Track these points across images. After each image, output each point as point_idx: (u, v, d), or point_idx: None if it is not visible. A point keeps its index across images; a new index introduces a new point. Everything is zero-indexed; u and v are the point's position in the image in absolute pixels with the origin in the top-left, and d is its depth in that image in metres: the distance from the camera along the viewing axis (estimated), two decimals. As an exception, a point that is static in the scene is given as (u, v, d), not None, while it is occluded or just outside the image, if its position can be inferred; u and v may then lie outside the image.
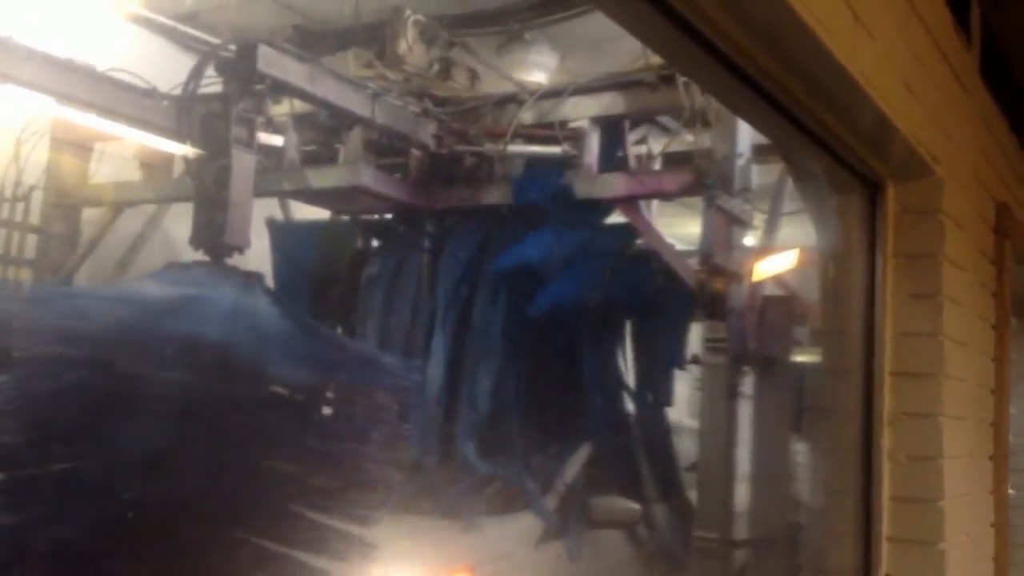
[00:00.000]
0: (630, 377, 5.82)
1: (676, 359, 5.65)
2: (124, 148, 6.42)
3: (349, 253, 6.39)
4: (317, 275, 6.35)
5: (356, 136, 5.54)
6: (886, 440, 2.37)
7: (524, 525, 4.47)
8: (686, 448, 5.82)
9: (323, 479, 3.94)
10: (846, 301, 2.41)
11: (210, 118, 4.45)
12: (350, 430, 4.12)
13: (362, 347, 4.34)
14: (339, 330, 5.88)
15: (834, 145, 2.22)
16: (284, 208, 6.69)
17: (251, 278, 4.18)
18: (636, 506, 4.72)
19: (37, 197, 6.42)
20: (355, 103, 5.09)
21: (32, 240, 6.49)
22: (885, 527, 2.37)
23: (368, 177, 5.60)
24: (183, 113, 4.47)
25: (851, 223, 2.42)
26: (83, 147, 6.53)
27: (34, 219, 6.44)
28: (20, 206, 6.37)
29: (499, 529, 4.41)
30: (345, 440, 4.09)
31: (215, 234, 4.34)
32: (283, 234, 6.47)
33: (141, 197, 6.45)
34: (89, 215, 6.69)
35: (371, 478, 4.04)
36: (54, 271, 6.54)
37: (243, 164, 4.42)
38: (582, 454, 4.97)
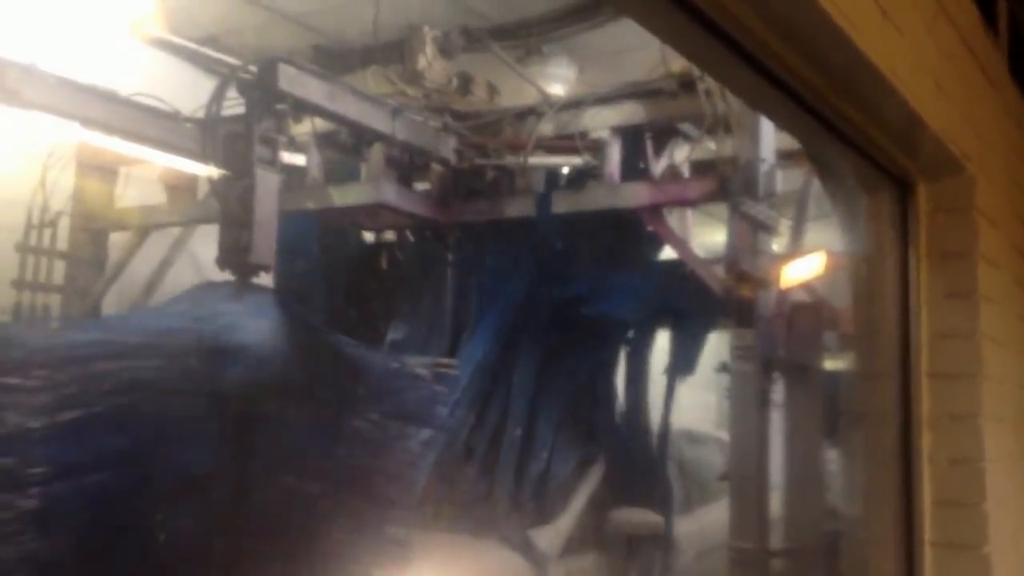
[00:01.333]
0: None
1: (690, 367, 5.58)
2: (149, 172, 6.47)
3: (356, 245, 6.37)
4: (322, 266, 6.28)
5: (377, 153, 5.55)
6: (925, 443, 2.32)
7: (546, 538, 4.40)
8: (707, 458, 5.76)
9: (354, 495, 3.93)
10: (879, 303, 2.37)
11: (233, 138, 4.48)
12: (381, 444, 4.09)
13: (390, 358, 4.29)
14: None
15: (863, 144, 2.19)
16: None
17: (277, 296, 4.20)
18: (658, 517, 4.64)
19: (64, 223, 6.50)
20: (375, 120, 5.11)
21: (59, 266, 6.56)
22: (927, 532, 2.32)
23: (390, 193, 5.62)
24: (206, 134, 4.50)
25: (882, 223, 2.38)
26: (108, 171, 6.61)
27: (61, 245, 6.52)
28: (47, 232, 6.46)
29: (519, 540, 4.35)
30: (376, 455, 4.06)
31: (241, 254, 4.35)
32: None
33: (167, 220, 6.50)
34: (116, 239, 6.75)
35: (402, 492, 4.02)
36: (82, 296, 6.60)
37: (267, 183, 4.44)
38: (600, 466, 4.91)
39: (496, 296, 5.66)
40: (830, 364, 4.96)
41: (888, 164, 2.32)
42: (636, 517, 4.59)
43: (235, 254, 4.37)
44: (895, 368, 2.35)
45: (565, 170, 5.82)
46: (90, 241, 6.64)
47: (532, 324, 5.54)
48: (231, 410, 3.76)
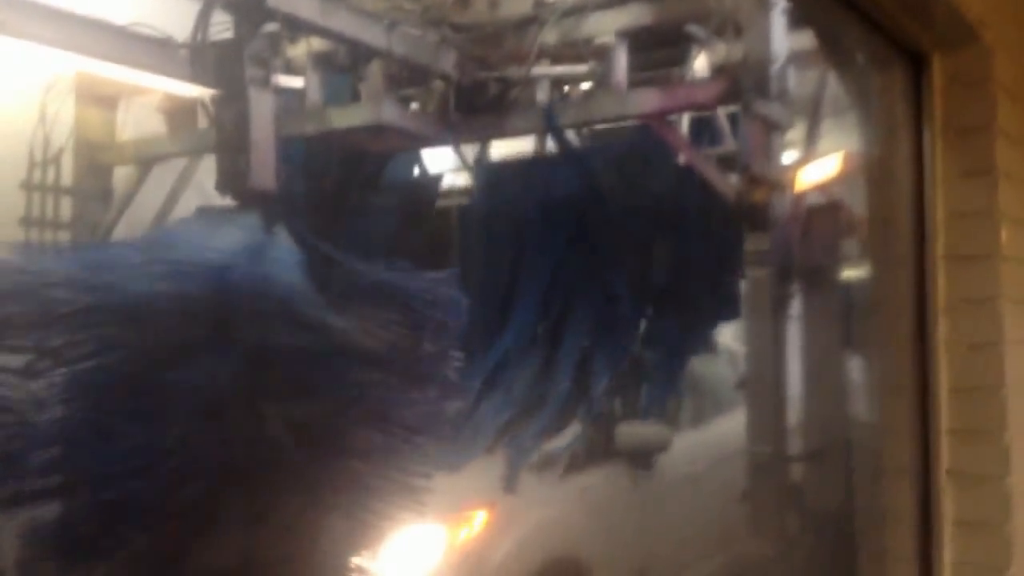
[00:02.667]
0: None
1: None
2: (148, 102, 6.37)
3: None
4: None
5: (376, 71, 5.39)
6: (942, 329, 2.23)
7: (548, 456, 4.33)
8: (720, 370, 5.68)
9: (375, 425, 3.85)
10: (892, 184, 2.26)
11: (224, 61, 4.35)
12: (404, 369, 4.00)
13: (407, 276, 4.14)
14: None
15: (873, 13, 2.06)
16: None
17: (272, 216, 4.09)
18: (666, 430, 4.58)
19: (67, 158, 6.44)
20: (371, 35, 4.95)
21: (66, 202, 6.51)
22: (944, 420, 2.24)
23: (391, 113, 5.48)
24: (195, 57, 4.38)
25: (895, 100, 2.24)
26: (108, 104, 6.50)
27: (66, 180, 6.46)
28: (51, 168, 6.40)
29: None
30: (398, 382, 3.96)
31: (240, 178, 4.26)
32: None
33: (167, 151, 6.41)
34: (121, 173, 6.68)
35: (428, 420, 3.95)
36: (91, 231, 6.56)
37: (262, 105, 4.32)
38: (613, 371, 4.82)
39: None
40: (850, 271, 4.85)
41: (900, 35, 2.18)
42: (641, 430, 4.53)
43: (234, 179, 4.28)
44: (909, 252, 2.25)
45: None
46: (94, 175, 6.57)
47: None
48: (236, 338, 3.65)
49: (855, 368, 4.51)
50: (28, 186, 6.31)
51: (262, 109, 4.30)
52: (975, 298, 2.20)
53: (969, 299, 2.21)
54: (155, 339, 3.57)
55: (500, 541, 3.74)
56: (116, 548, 3.51)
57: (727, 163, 5.05)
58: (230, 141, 4.27)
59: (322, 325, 3.91)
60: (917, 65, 2.25)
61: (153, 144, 6.48)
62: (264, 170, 4.27)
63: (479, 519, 3.71)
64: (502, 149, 6.45)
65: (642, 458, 4.50)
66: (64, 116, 6.33)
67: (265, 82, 4.34)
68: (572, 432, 4.45)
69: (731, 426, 5.36)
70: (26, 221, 6.28)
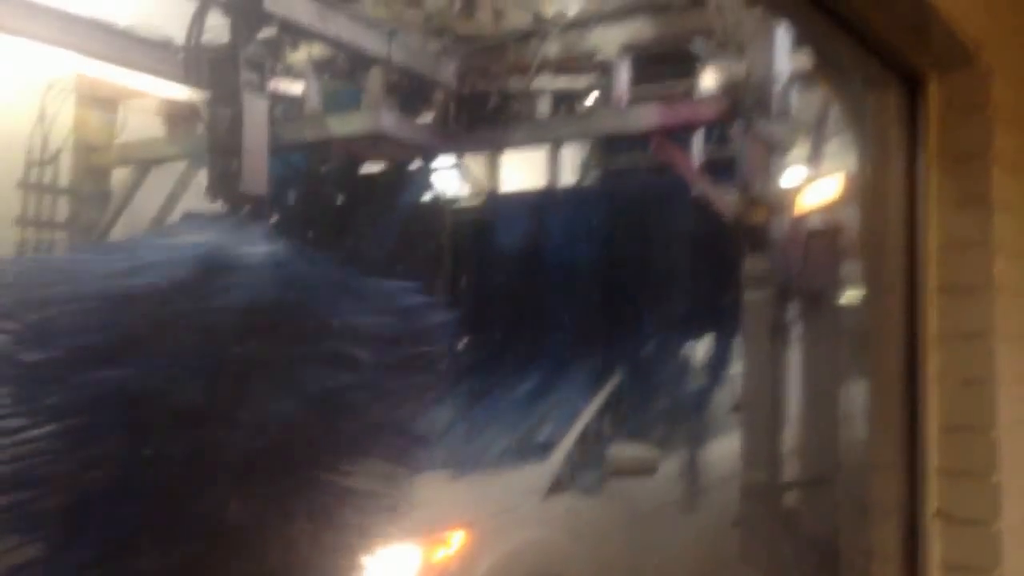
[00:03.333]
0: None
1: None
2: (148, 105, 6.33)
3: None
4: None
5: (376, 79, 5.34)
6: (933, 363, 2.13)
7: (531, 476, 4.20)
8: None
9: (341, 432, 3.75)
10: (885, 211, 2.17)
11: (219, 64, 4.30)
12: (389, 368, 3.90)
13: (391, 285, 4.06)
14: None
15: (868, 34, 1.97)
16: None
17: (260, 224, 4.04)
18: (655, 452, 4.45)
19: (65, 159, 6.40)
20: (370, 42, 4.90)
21: (63, 202, 6.47)
22: (934, 458, 2.14)
23: (389, 122, 5.43)
24: (189, 60, 4.33)
25: (889, 123, 2.16)
26: (108, 106, 6.47)
27: (63, 181, 6.43)
28: (49, 168, 6.36)
29: (501, 481, 4.15)
30: (383, 381, 3.86)
31: (231, 182, 4.21)
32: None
33: (166, 154, 6.36)
34: (119, 175, 6.64)
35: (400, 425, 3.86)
36: (87, 232, 6.51)
37: (255, 109, 4.28)
38: (606, 390, 4.73)
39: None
40: (850, 295, 4.74)
41: (895, 56, 2.10)
42: (633, 451, 4.41)
43: (225, 182, 4.23)
44: (901, 282, 2.16)
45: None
46: (92, 177, 6.53)
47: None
48: (221, 340, 3.57)
49: (853, 395, 4.41)
50: (25, 186, 6.27)
51: (256, 113, 4.25)
52: (968, 332, 2.10)
53: (961, 333, 2.12)
54: (129, 339, 3.51)
55: (476, 564, 3.61)
56: (89, 549, 3.45)
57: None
58: (222, 144, 4.23)
59: (306, 328, 3.83)
60: (913, 87, 2.17)
61: (152, 147, 6.45)
62: (255, 174, 4.23)
63: (456, 540, 3.59)
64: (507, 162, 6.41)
65: (630, 480, 4.39)
66: (63, 117, 6.31)
67: (260, 86, 4.30)
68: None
69: (723, 451, 5.26)
70: (22, 220, 6.24)
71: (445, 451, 4.14)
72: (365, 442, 3.73)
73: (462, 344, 5.03)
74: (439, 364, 3.96)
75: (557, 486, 4.20)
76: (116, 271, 3.66)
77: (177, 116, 6.22)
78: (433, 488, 3.65)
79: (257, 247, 3.98)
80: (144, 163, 6.48)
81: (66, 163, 6.43)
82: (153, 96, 6.06)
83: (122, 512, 3.34)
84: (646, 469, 4.38)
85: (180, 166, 6.50)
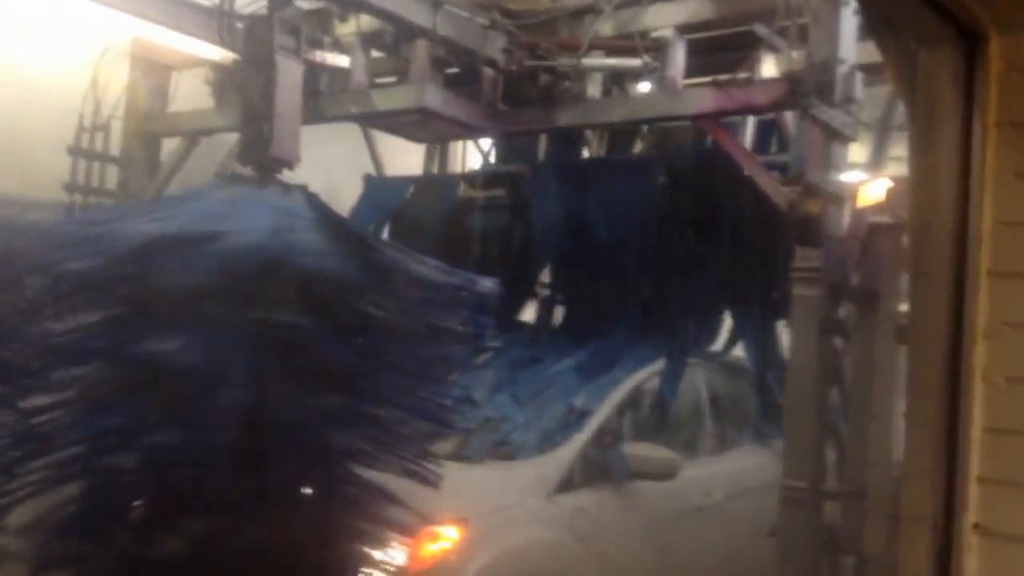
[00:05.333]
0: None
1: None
2: (200, 74, 6.31)
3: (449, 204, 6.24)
4: (413, 229, 6.22)
5: (421, 52, 5.19)
6: (979, 357, 1.88)
7: (537, 470, 3.92)
8: (746, 392, 5.28)
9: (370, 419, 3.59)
10: (933, 184, 1.92)
11: (254, 27, 4.20)
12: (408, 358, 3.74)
13: (426, 263, 3.87)
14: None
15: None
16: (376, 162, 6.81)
17: (295, 189, 3.91)
18: (674, 455, 4.15)
19: (116, 127, 6.41)
20: (413, 12, 4.74)
21: (112, 170, 6.48)
22: (975, 465, 1.90)
23: (435, 98, 5.28)
24: (222, 21, 4.23)
25: (943, 85, 1.91)
26: (160, 75, 6.46)
27: (113, 149, 6.44)
28: (100, 135, 6.38)
29: (505, 473, 3.88)
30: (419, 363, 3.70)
31: (261, 148, 4.10)
32: (377, 190, 6.39)
33: (216, 125, 6.31)
34: (169, 145, 6.64)
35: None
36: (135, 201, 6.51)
37: (289, 74, 4.15)
38: (628, 384, 4.48)
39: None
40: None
41: (954, 11, 1.86)
42: (647, 453, 4.12)
43: (256, 148, 4.12)
44: (947, 265, 1.91)
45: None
46: (142, 145, 6.52)
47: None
48: (251, 316, 3.42)
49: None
50: (75, 151, 6.29)
51: (289, 78, 4.13)
52: (1019, 322, 1.85)
53: (1013, 323, 1.86)
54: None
55: (468, 563, 3.34)
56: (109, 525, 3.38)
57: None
58: (255, 110, 4.12)
59: (335, 300, 3.68)
60: (971, 46, 1.92)
61: (202, 117, 6.40)
62: (287, 140, 4.11)
63: (448, 536, 3.34)
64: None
65: (653, 483, 4.14)
66: (116, 83, 6.31)
67: (295, 51, 4.18)
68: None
69: (755, 457, 4.99)
70: (70, 187, 6.26)
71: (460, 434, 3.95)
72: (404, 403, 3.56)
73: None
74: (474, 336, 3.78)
75: (567, 483, 3.94)
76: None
77: (226, 86, 6.17)
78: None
79: (290, 215, 3.84)
80: (193, 133, 6.45)
81: (117, 130, 6.43)
82: (204, 64, 6.04)
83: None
84: (663, 473, 4.10)
85: (230, 137, 6.47)
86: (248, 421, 3.23)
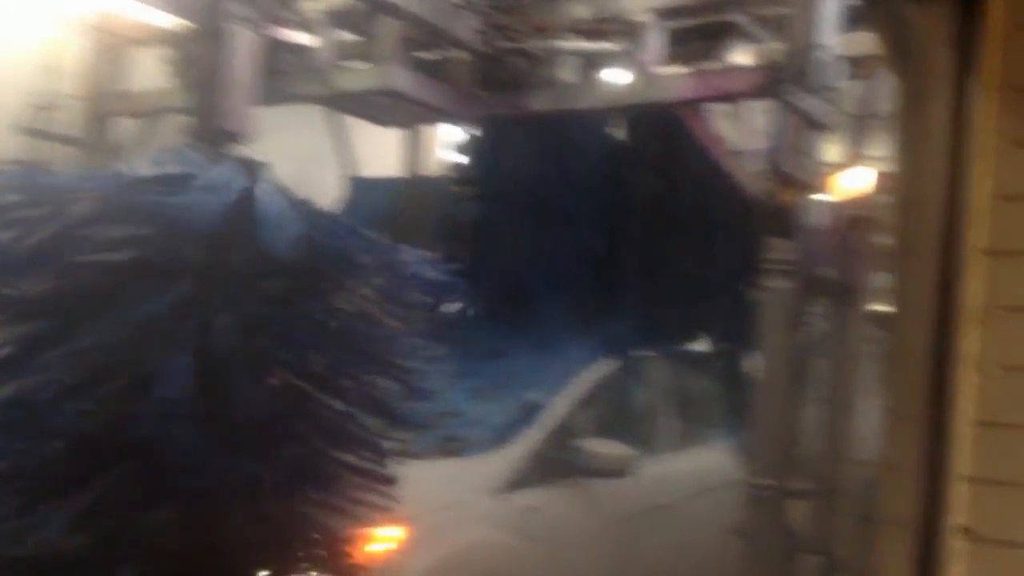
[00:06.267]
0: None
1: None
2: (160, 53, 6.08)
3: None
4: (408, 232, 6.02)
5: (389, 30, 4.98)
6: (971, 343, 1.71)
7: (486, 468, 3.73)
8: (710, 386, 5.11)
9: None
10: (923, 154, 1.75)
11: (205, -7, 3.99)
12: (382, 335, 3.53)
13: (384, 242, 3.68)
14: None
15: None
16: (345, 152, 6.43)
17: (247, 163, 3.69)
18: (628, 451, 3.98)
19: (73, 105, 6.17)
20: (382, -13, 4.54)
21: (69, 152, 6.23)
22: (964, 463, 1.73)
23: (405, 80, 5.07)
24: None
25: (936, 44, 1.73)
26: (118, 51, 6.23)
27: (69, 128, 6.19)
28: (56, 114, 6.13)
29: (452, 471, 3.68)
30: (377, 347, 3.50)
31: (210, 118, 3.90)
32: (364, 193, 6.10)
33: (173, 104, 6.07)
34: (127, 124, 6.39)
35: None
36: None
37: (242, 42, 3.95)
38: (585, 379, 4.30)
39: None
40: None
41: (950, -37, 1.69)
42: (599, 448, 3.93)
43: (204, 118, 3.92)
44: (937, 241, 1.74)
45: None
46: (101, 125, 6.27)
47: None
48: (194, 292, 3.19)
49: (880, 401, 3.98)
50: (30, 131, 6.03)
51: (242, 46, 3.93)
52: (1017, 305, 1.68)
53: (1010, 306, 1.69)
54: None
55: (412, 565, 3.15)
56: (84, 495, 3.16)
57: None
58: (203, 78, 3.92)
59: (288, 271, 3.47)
60: (969, 2, 1.75)
61: (162, 96, 6.16)
62: (238, 112, 3.91)
63: (391, 536, 3.13)
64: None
65: (610, 480, 3.95)
66: (72, 59, 6.07)
67: (249, 20, 3.97)
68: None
69: (720, 454, 4.82)
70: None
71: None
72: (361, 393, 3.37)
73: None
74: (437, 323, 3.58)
75: (518, 481, 3.73)
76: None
77: (188, 63, 5.94)
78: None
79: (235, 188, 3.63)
80: (154, 112, 6.20)
81: (73, 109, 6.18)
82: (163, 38, 5.81)
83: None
84: (616, 470, 3.91)
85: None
86: (186, 413, 3.02)
